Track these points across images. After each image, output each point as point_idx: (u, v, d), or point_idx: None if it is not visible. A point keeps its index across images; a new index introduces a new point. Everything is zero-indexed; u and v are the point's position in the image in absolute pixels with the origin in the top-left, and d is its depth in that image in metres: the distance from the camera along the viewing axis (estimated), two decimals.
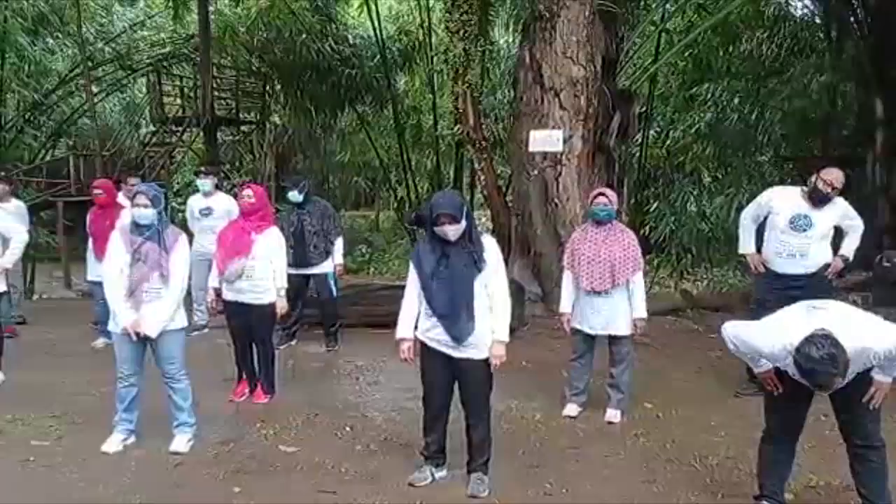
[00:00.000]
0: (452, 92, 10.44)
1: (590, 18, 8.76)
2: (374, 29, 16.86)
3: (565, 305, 5.44)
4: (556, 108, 8.74)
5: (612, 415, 5.38)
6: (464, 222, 3.93)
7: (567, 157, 8.73)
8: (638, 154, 13.58)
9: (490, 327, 4.05)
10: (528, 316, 8.28)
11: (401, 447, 4.82)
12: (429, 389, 4.25)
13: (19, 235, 6.18)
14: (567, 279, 5.44)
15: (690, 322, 8.71)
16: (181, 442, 4.73)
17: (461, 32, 9.90)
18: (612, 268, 5.18)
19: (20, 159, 18.61)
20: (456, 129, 10.92)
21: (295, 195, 7.19)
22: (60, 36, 19.51)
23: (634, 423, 5.34)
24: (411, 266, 4.17)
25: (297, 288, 7.07)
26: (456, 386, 4.20)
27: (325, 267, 7.34)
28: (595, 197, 5.35)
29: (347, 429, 5.19)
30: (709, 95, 12.75)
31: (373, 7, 16.59)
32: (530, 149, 8.83)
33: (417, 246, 4.27)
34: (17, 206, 7.97)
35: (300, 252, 7.12)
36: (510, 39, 16.81)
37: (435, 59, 17.21)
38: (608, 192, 5.40)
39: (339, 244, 7.43)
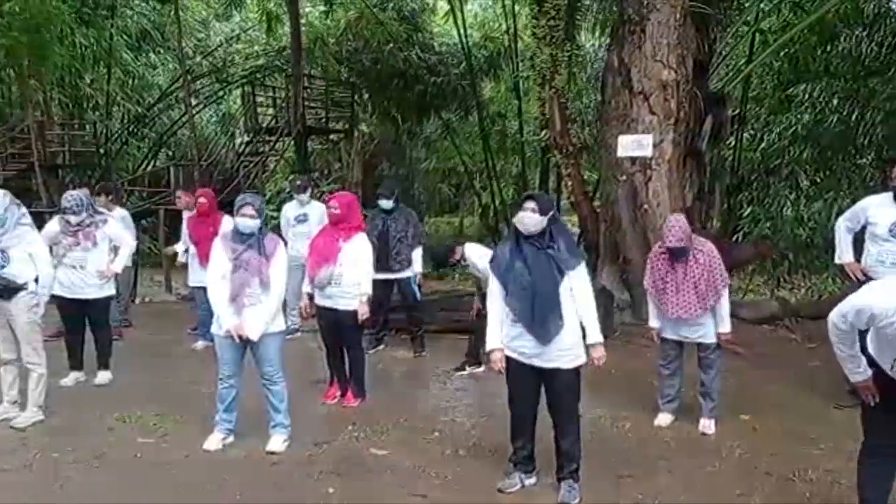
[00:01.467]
0: (539, 97, 10.45)
1: (680, 21, 8.60)
2: (460, 36, 17.00)
3: (654, 320, 5.37)
4: (645, 113, 8.61)
5: (706, 425, 5.26)
6: (543, 218, 3.94)
7: (657, 161, 8.58)
8: (731, 157, 13.20)
9: (577, 334, 4.02)
10: (616, 324, 8.18)
11: (490, 453, 4.84)
12: (515, 397, 4.26)
13: (130, 241, 6.53)
14: (652, 295, 5.36)
15: (787, 331, 8.42)
16: (277, 442, 4.88)
17: (548, 38, 9.89)
18: (696, 294, 5.06)
19: (125, 169, 19.61)
20: (542, 134, 10.91)
21: (387, 203, 7.33)
22: (162, 51, 20.49)
23: (729, 434, 5.20)
24: (490, 273, 4.20)
25: (382, 293, 7.19)
26: (543, 392, 4.19)
27: (408, 272, 7.45)
28: (669, 229, 5.06)
29: (436, 433, 5.25)
30: (806, 96, 12.26)
31: (458, 15, 16.73)
32: (619, 154, 8.72)
33: (495, 252, 4.29)
34: (121, 215, 8.39)
35: (383, 257, 7.23)
36: (597, 43, 16.65)
37: (520, 64, 17.22)
38: (680, 221, 5.09)
39: (418, 253, 7.51)
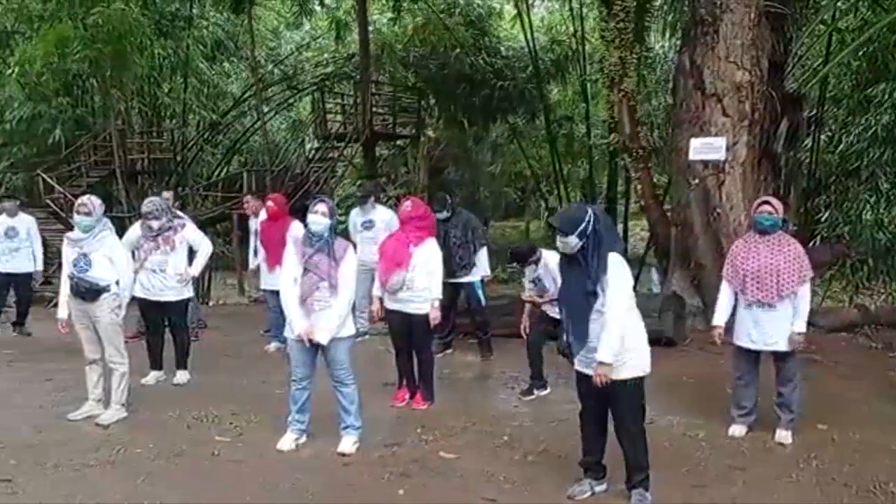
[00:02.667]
0: (608, 100, 10.36)
1: (755, 21, 8.40)
2: (527, 40, 16.98)
3: (718, 318, 5.24)
4: (718, 115, 8.44)
5: (783, 436, 5.11)
6: (574, 239, 3.91)
7: (730, 164, 8.40)
8: (807, 160, 12.82)
9: (629, 346, 3.97)
10: (688, 330, 8.03)
11: (559, 458, 4.81)
12: (582, 404, 4.27)
13: (208, 245, 6.73)
14: (724, 291, 5.24)
15: (867, 339, 8.12)
16: (348, 443, 4.96)
17: (617, 41, 9.79)
18: (777, 278, 4.94)
19: (200, 175, 20.20)
20: (611, 137, 10.79)
21: (441, 215, 7.34)
22: (235, 60, 21.05)
23: (806, 444, 5.04)
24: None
25: (448, 298, 7.22)
26: None
27: (472, 277, 7.45)
28: (759, 205, 5.14)
29: (505, 437, 5.25)
30: (886, 97, 11.81)
31: (525, 18, 16.71)
32: (691, 157, 8.56)
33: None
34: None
35: (446, 263, 7.26)
36: (667, 45, 16.39)
37: (588, 67, 17.09)
38: (773, 200, 5.18)
39: (482, 255, 7.49)
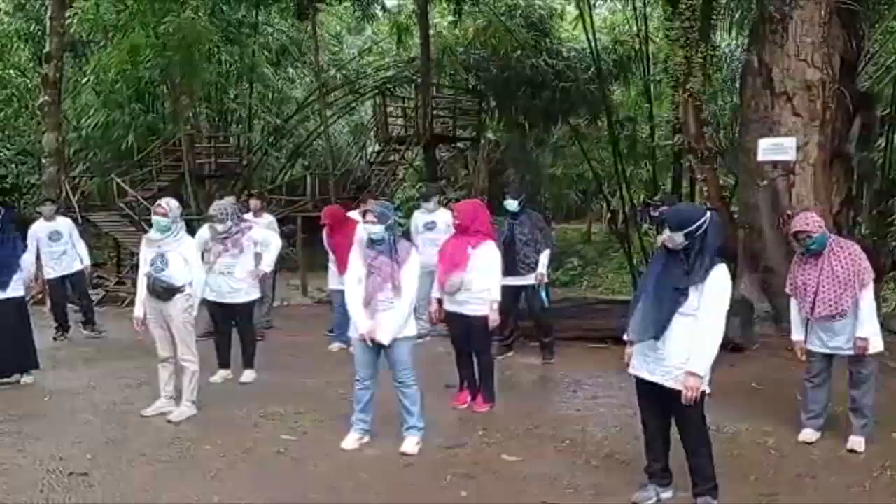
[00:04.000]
0: (672, 100, 10.18)
1: (825, 18, 8.16)
2: (589, 41, 16.81)
3: (797, 333, 5.12)
4: (787, 114, 8.22)
5: (856, 443, 4.94)
6: (680, 237, 3.84)
7: (801, 165, 8.17)
8: (881, 160, 12.38)
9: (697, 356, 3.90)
10: (757, 335, 7.83)
11: (623, 464, 4.76)
12: (642, 411, 4.23)
13: (276, 241, 6.90)
14: (793, 305, 5.12)
15: None
16: (410, 444, 4.99)
17: (682, 40, 9.62)
18: (835, 292, 4.79)
19: (264, 179, 20.65)
20: (676, 138, 10.61)
21: (512, 204, 7.30)
22: (299, 66, 21.47)
23: (881, 452, 4.87)
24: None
25: (509, 299, 7.19)
26: None
27: (534, 278, 7.40)
28: (797, 233, 4.91)
29: (567, 441, 5.21)
30: None
31: (587, 19, 16.56)
32: (759, 158, 8.36)
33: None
34: (269, 220, 8.88)
35: (509, 262, 7.20)
36: (734, 43, 16.03)
37: (652, 67, 16.84)
38: (809, 218, 4.94)
39: (545, 256, 7.39)
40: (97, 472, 4.62)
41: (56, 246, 8.58)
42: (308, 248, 15.92)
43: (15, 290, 6.63)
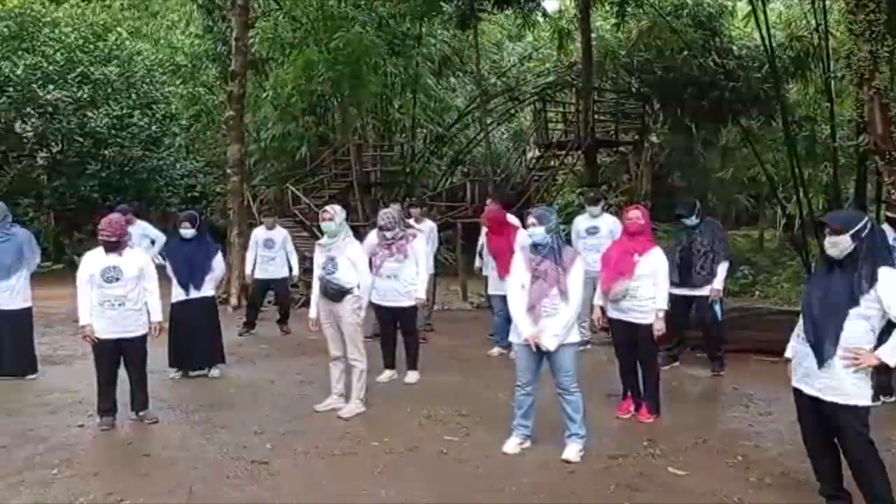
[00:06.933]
0: (856, 99, 9.42)
1: None
2: (762, 38, 15.92)
3: None
4: None
5: None
6: (847, 239, 3.57)
7: None
8: None
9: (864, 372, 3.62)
10: None
11: (799, 483, 4.48)
12: (802, 427, 4.05)
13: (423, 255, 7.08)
14: None
15: None
16: (573, 451, 4.94)
17: (867, 33, 8.89)
18: None
19: (426, 186, 21.18)
20: (860, 139, 9.81)
21: (690, 220, 7.08)
22: (460, 74, 21.85)
23: None
24: None
25: (681, 309, 6.96)
26: None
27: (708, 289, 7.09)
28: None
29: (739, 457, 4.97)
30: None
31: (760, 15, 15.69)
32: None
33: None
34: (430, 227, 9.13)
35: (685, 271, 7.00)
36: None
37: (832, 63, 15.69)
38: None
39: (722, 269, 7.09)
40: (276, 462, 4.92)
41: (268, 252, 9.39)
42: (467, 253, 16.14)
43: (207, 289, 7.23)
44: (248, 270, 9.55)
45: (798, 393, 3.95)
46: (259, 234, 9.53)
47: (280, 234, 9.58)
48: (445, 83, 22.00)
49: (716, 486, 4.49)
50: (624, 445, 5.21)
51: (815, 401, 3.82)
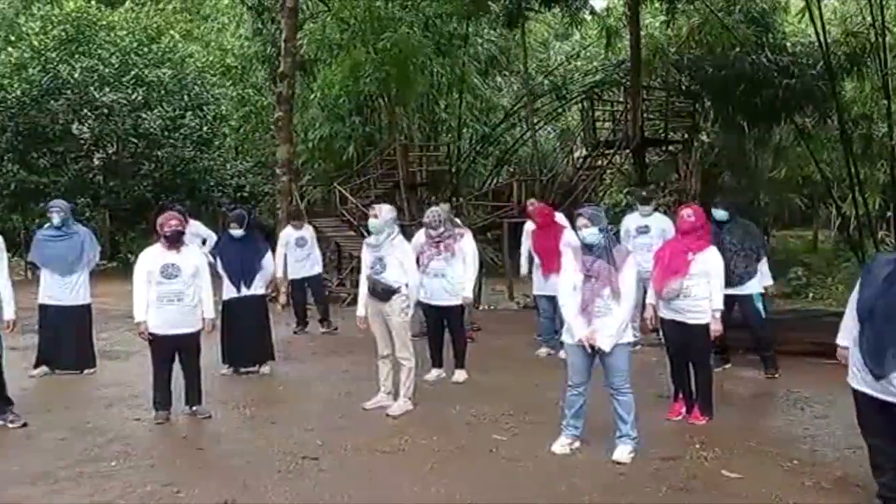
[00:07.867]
0: None
1: None
2: (817, 34, 15.60)
3: None
4: None
5: None
6: None
7: None
8: None
9: None
10: None
11: (858, 488, 4.37)
12: (863, 432, 4.00)
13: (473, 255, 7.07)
14: None
15: None
16: (623, 452, 4.88)
17: None
18: None
19: (471, 186, 21.18)
20: None
21: (719, 213, 6.98)
22: (507, 74, 21.80)
23: None
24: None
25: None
26: None
27: (748, 288, 6.95)
28: None
29: (795, 461, 4.86)
30: None
31: (815, 11, 15.36)
32: None
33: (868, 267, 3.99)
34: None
35: None
36: None
37: (890, 60, 15.28)
38: None
39: (764, 265, 7.01)
40: (326, 458, 4.97)
41: (301, 251, 9.46)
42: (514, 253, 16.08)
43: (258, 288, 7.34)
44: (279, 273, 9.17)
45: (864, 395, 3.85)
46: (289, 234, 9.53)
47: (309, 231, 9.70)
48: (492, 83, 21.95)
49: (770, 490, 4.39)
50: (675, 447, 5.13)
51: (885, 404, 3.73)
